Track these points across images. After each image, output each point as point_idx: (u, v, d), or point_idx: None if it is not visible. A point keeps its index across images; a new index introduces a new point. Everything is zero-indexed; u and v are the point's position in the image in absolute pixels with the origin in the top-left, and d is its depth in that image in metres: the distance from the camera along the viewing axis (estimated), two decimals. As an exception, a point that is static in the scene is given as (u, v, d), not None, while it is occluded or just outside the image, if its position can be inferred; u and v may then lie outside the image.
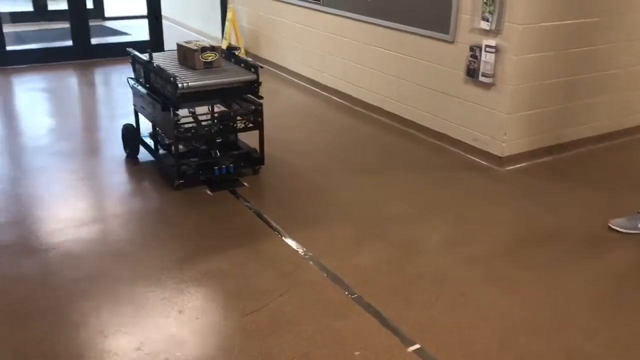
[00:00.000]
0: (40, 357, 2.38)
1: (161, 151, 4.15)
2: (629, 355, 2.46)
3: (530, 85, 4.08)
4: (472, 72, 4.23)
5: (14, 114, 5.41)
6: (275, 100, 5.98)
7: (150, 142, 4.23)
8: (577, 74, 4.28)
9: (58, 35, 7.48)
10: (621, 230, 3.37)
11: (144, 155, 4.29)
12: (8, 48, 6.53)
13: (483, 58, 4.11)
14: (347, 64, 5.52)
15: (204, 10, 8.18)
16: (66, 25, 7.03)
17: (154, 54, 4.04)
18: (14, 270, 2.96)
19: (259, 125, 3.97)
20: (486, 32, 4.05)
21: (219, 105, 4.21)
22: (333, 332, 2.55)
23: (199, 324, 2.58)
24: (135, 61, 4.17)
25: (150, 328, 2.55)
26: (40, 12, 8.81)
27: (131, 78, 4.26)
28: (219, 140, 4.07)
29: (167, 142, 4.11)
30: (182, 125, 3.76)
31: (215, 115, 4.08)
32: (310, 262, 3.06)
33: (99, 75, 6.64)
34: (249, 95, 3.94)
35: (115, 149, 4.41)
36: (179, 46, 4.03)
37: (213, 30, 7.89)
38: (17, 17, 8.72)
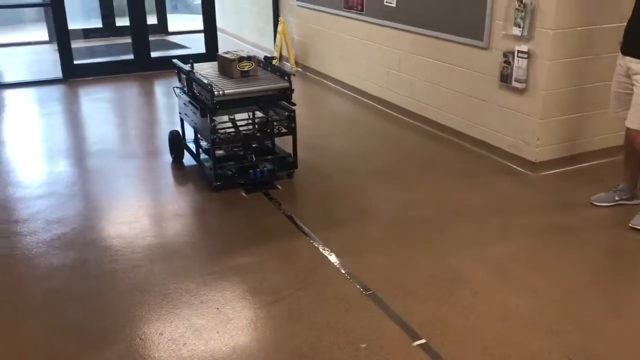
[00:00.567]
0: (74, 336, 2.62)
1: (202, 156, 4.39)
2: None
3: (563, 91, 4.06)
4: (505, 78, 4.25)
5: (78, 121, 5.86)
6: (318, 108, 6.18)
7: (193, 147, 4.49)
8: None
9: (123, 49, 7.96)
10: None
11: (189, 160, 4.55)
12: (75, 62, 7.03)
13: (516, 64, 4.12)
14: (389, 72, 5.62)
15: (258, 24, 8.49)
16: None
17: (197, 65, 4.29)
18: (57, 259, 3.25)
19: (292, 131, 4.12)
20: (518, 38, 4.07)
21: (258, 112, 4.42)
22: (343, 325, 2.66)
23: (217, 314, 2.75)
24: (179, 71, 4.44)
25: (171, 317, 2.75)
26: (109, 28, 9.39)
27: (177, 87, 4.54)
28: (254, 146, 4.26)
29: (206, 146, 4.35)
30: (219, 131, 3.97)
31: (250, 121, 4.28)
32: (331, 260, 3.19)
33: (157, 86, 7.04)
34: (283, 102, 4.12)
35: (165, 154, 4.69)
36: (219, 57, 4.27)
37: (266, 43, 8.18)
38: (88, 33, 9.37)
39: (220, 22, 9.72)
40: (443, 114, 4.99)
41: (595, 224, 3.55)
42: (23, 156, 4.82)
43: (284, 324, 2.69)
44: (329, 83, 6.72)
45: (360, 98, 6.12)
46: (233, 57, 4.10)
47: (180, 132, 4.61)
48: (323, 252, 3.27)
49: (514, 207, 3.77)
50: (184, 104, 4.40)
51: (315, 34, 6.91)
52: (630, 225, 3.43)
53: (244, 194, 4.02)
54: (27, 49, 9.14)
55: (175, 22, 10.33)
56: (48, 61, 7.87)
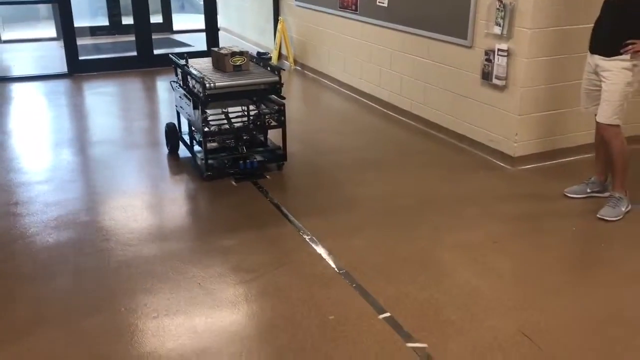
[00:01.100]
0: (63, 304, 2.82)
1: (196, 147, 4.58)
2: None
3: (541, 88, 4.22)
4: (487, 75, 4.42)
5: (81, 114, 6.08)
6: (313, 105, 6.37)
7: (187, 139, 4.68)
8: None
9: (129, 46, 8.19)
10: (612, 219, 3.57)
11: (185, 152, 4.72)
12: (80, 58, 7.27)
13: (496, 61, 4.30)
14: (382, 70, 5.81)
15: (259, 23, 8.70)
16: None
17: (192, 60, 4.49)
18: (52, 238, 3.46)
19: (282, 124, 4.30)
20: (499, 37, 4.24)
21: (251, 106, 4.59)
22: (314, 300, 2.84)
23: (199, 289, 2.94)
24: (176, 66, 4.63)
25: (156, 290, 2.93)
26: (115, 26, 9.65)
27: (174, 81, 4.74)
28: (245, 138, 4.44)
29: (200, 138, 4.53)
30: (209, 122, 4.16)
31: (241, 114, 4.43)
32: (310, 243, 3.37)
33: (158, 81, 7.25)
34: (274, 96, 4.30)
35: (162, 145, 4.89)
36: (213, 52, 4.46)
37: (267, 42, 8.38)
38: (95, 31, 9.63)
39: (224, 22, 10.00)
40: (430, 110, 5.17)
41: (566, 214, 3.71)
42: (26, 145, 5.04)
43: (260, 299, 2.87)
44: (326, 81, 6.91)
45: (355, 96, 6.30)
46: (226, 52, 4.29)
47: (177, 125, 4.80)
48: (304, 235, 3.45)
49: (489, 198, 3.94)
50: (180, 97, 4.60)
51: (313, 33, 7.11)
52: (598, 215, 3.59)
53: (233, 183, 4.21)
54: (36, 45, 9.42)
55: (181, 21, 10.58)
56: (55, 57, 8.11)
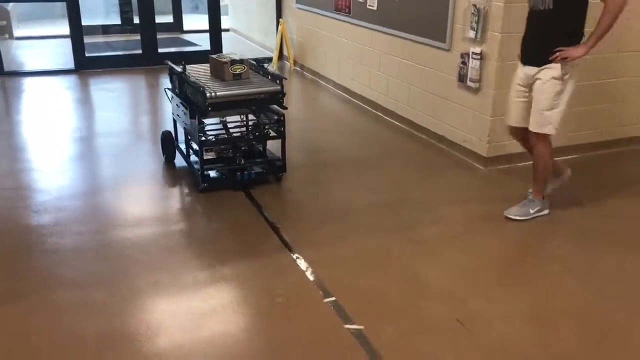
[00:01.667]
0: (38, 278, 3.04)
1: (192, 157, 4.37)
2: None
3: (512, 90, 4.34)
4: (462, 78, 4.56)
5: (84, 108, 6.34)
6: (309, 106, 6.55)
7: (184, 148, 4.49)
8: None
9: (138, 45, 8.45)
10: (517, 217, 3.69)
11: (181, 160, 4.62)
12: (87, 54, 7.55)
13: (470, 64, 4.43)
14: (371, 71, 5.96)
15: (265, 24, 8.92)
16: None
17: (189, 66, 4.29)
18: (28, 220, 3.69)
19: (281, 135, 4.14)
20: (473, 41, 4.38)
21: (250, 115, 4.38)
22: (267, 284, 3.02)
23: (173, 274, 3.12)
24: (172, 72, 4.42)
25: (135, 272, 3.13)
26: (126, 24, 9.93)
27: (169, 89, 4.52)
28: (244, 148, 4.28)
29: (195, 148, 4.21)
30: (206, 132, 4.07)
31: (240, 124, 4.35)
32: (275, 235, 3.54)
33: (162, 79, 7.48)
34: (274, 106, 4.12)
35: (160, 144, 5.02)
36: (211, 59, 4.25)
37: (272, 42, 8.58)
38: (106, 29, 9.94)
39: (232, 23, 10.26)
40: (412, 111, 5.31)
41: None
42: (31, 135, 5.31)
43: (222, 285, 3.04)
44: (323, 82, 7.09)
45: (348, 97, 6.47)
46: (225, 59, 4.10)
47: (173, 133, 4.65)
48: (271, 229, 3.62)
49: (457, 197, 4.07)
50: (177, 105, 4.42)
51: (311, 34, 7.29)
52: (504, 213, 3.71)
53: (230, 194, 4.06)
54: (49, 42, 9.74)
55: (192, 21, 10.85)
56: (65, 54, 8.41)
